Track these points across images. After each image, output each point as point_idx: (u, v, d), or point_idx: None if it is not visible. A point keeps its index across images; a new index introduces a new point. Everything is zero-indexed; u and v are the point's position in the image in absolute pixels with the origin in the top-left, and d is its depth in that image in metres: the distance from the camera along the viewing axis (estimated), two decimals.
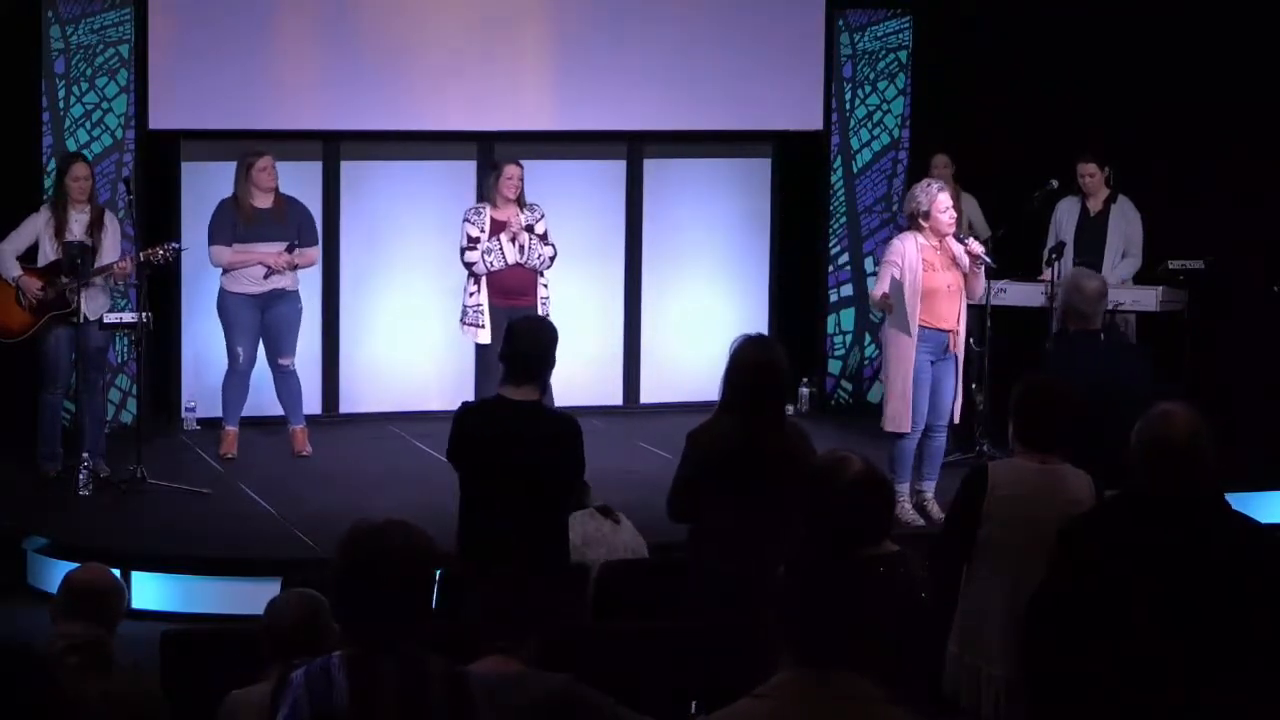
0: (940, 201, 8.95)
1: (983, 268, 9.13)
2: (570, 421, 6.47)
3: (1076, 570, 4.68)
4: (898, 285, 8.84)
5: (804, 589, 3.40)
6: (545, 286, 10.21)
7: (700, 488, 6.22)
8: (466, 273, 10.16)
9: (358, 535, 3.83)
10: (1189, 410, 4.70)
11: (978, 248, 9.11)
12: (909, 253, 8.91)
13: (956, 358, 9.07)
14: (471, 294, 10.15)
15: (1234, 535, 4.63)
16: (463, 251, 10.12)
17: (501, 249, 10.04)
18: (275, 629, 4.67)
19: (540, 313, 10.04)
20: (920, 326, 8.88)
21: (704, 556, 6.23)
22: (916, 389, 8.91)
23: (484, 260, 10.04)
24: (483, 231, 10.07)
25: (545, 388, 6.52)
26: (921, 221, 8.96)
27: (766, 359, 6.28)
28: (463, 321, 10.23)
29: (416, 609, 3.80)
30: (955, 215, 9.16)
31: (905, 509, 8.87)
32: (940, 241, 8.99)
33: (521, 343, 6.45)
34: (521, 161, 10.27)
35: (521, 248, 10.07)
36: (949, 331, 8.98)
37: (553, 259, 10.20)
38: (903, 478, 8.91)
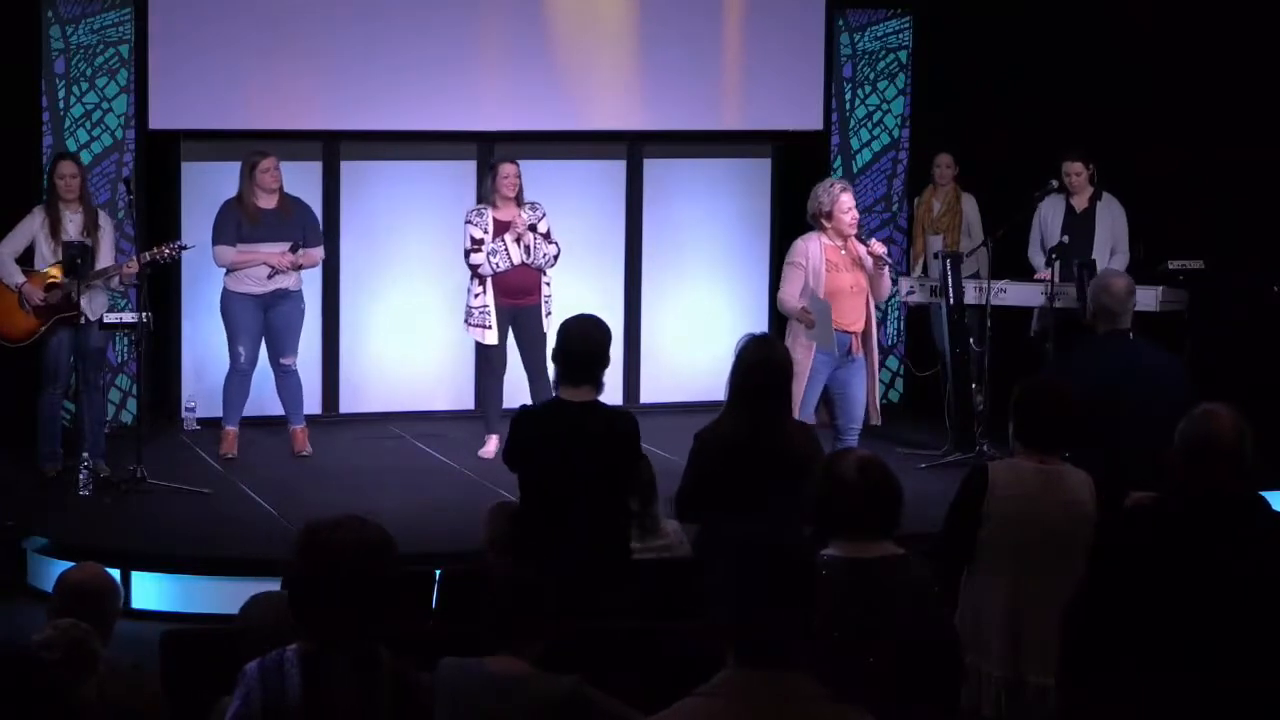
0: (842, 202, 9.03)
1: (886, 268, 9.15)
2: (628, 419, 6.43)
3: (1117, 570, 4.65)
4: (822, 306, 8.81)
5: (745, 587, 3.38)
6: (548, 285, 10.21)
7: (705, 486, 6.22)
8: (470, 274, 10.16)
9: (314, 530, 3.79)
10: (1233, 410, 4.71)
11: (880, 248, 9.19)
12: (812, 253, 8.99)
13: (867, 359, 9.04)
14: (477, 295, 10.14)
15: (1273, 534, 4.64)
16: (467, 254, 10.10)
17: (506, 250, 10.03)
18: (254, 630, 4.64)
19: (544, 312, 10.07)
20: None
21: (709, 554, 6.21)
22: (808, 389, 8.85)
23: (489, 262, 10.03)
24: (486, 233, 10.06)
25: (601, 386, 6.40)
26: (824, 222, 9.02)
27: (767, 357, 6.30)
28: (468, 322, 10.23)
29: (372, 605, 3.74)
30: (857, 216, 9.18)
31: None
32: (845, 242, 9.04)
33: (574, 343, 6.36)
34: (518, 160, 10.27)
35: (527, 248, 10.06)
36: (851, 333, 9.00)
37: (557, 257, 10.19)
38: None
